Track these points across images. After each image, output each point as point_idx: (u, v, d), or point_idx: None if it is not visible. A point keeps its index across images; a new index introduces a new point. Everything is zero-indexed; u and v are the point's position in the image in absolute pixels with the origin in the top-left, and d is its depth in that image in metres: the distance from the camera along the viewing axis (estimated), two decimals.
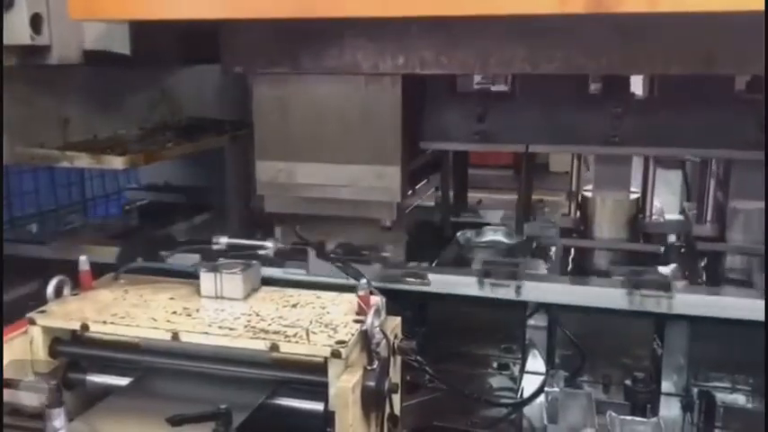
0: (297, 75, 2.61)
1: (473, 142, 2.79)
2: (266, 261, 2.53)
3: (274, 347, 1.88)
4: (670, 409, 2.63)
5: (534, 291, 2.54)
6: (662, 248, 2.90)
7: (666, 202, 3.20)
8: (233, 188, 3.62)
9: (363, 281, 2.12)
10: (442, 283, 2.62)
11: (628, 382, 2.58)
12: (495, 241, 2.99)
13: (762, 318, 2.34)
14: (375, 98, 2.58)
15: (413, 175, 2.84)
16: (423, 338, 2.76)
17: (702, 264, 2.92)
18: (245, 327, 1.98)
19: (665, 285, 2.43)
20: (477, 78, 3.00)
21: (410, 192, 2.85)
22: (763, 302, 2.36)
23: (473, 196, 3.85)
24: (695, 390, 2.60)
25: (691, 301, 2.42)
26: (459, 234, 3.05)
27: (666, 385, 2.66)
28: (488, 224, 3.29)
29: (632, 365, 2.70)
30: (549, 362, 2.77)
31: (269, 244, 2.56)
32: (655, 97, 2.67)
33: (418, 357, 2.27)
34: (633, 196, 2.87)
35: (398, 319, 2.17)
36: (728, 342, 2.58)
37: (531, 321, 2.85)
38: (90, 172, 4.55)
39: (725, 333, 2.54)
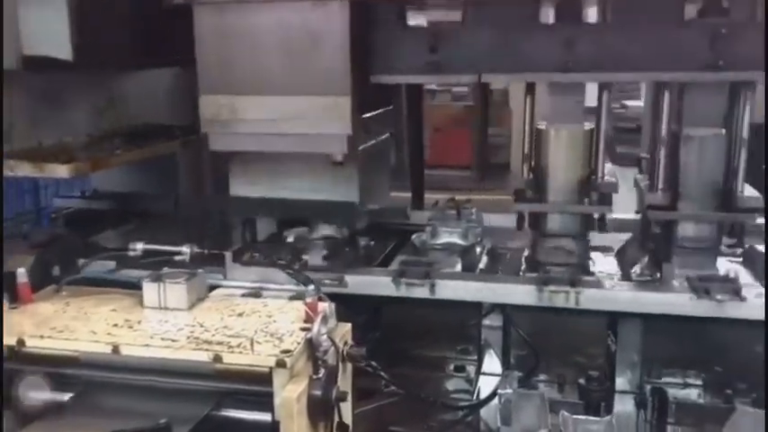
0: (237, 2, 2.53)
1: (425, 74, 2.69)
2: (182, 266, 2.48)
3: (217, 359, 1.84)
4: (624, 406, 2.65)
5: (447, 289, 2.53)
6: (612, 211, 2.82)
7: (624, 200, 3.19)
8: (186, 193, 3.56)
9: (311, 287, 2.09)
10: (360, 284, 2.60)
11: (582, 380, 2.60)
12: (450, 243, 2.97)
13: (673, 311, 2.40)
14: (322, 25, 2.49)
15: (364, 107, 2.72)
16: (377, 343, 2.74)
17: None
18: (188, 338, 1.93)
19: (573, 281, 2.45)
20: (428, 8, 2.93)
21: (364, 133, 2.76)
22: (678, 297, 2.40)
23: (432, 197, 3.83)
24: (648, 387, 2.61)
25: (598, 297, 2.45)
26: (414, 237, 3.04)
27: (620, 382, 2.69)
28: None
29: (587, 364, 2.71)
30: (505, 363, 2.77)
31: (185, 249, 2.49)
32: (607, 23, 2.61)
33: (372, 363, 2.26)
34: (588, 126, 2.77)
35: (348, 325, 2.14)
36: (679, 338, 2.60)
37: (486, 322, 2.86)
38: (45, 180, 4.44)
39: (676, 329, 2.57)
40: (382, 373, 2.31)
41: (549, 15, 2.60)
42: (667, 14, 2.56)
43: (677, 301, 2.43)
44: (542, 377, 2.75)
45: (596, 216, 2.79)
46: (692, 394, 2.59)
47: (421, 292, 2.53)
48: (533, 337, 2.73)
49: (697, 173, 2.66)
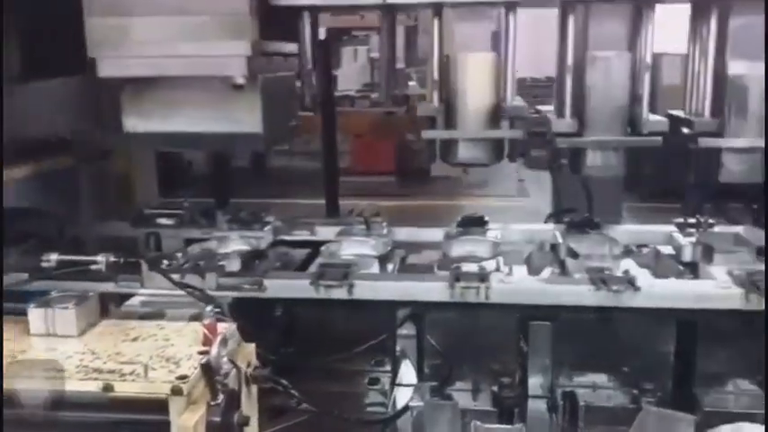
0: None
1: None
2: (98, 277, 2.37)
3: (108, 388, 1.73)
4: (537, 411, 2.66)
5: (366, 290, 2.50)
6: (525, 134, 2.81)
7: (537, 204, 3.23)
8: (87, 208, 3.39)
9: (209, 308, 2.01)
10: (278, 287, 2.54)
11: (495, 388, 2.59)
12: (360, 255, 2.93)
13: (588, 303, 2.43)
14: None
15: (267, 31, 2.59)
16: (291, 358, 2.67)
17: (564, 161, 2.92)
18: (77, 367, 1.82)
19: (483, 277, 2.48)
20: None
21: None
22: (585, 288, 2.43)
23: (352, 204, 3.77)
24: (559, 390, 2.64)
25: (507, 291, 2.48)
26: (323, 248, 2.99)
27: (533, 387, 2.70)
28: None
29: (502, 370, 2.70)
30: (420, 373, 2.75)
31: (100, 258, 2.39)
32: None
33: (282, 381, 2.20)
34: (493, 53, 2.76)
35: (252, 346, 2.07)
36: (588, 339, 2.64)
37: (403, 331, 2.83)
38: None
39: (585, 330, 2.60)
40: (293, 391, 2.26)
41: None
42: None
43: (580, 291, 2.47)
44: (458, 386, 2.73)
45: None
46: (602, 396, 2.62)
47: (339, 293, 2.49)
48: (448, 345, 2.72)
49: (603, 97, 2.69)
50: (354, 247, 2.99)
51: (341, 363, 2.68)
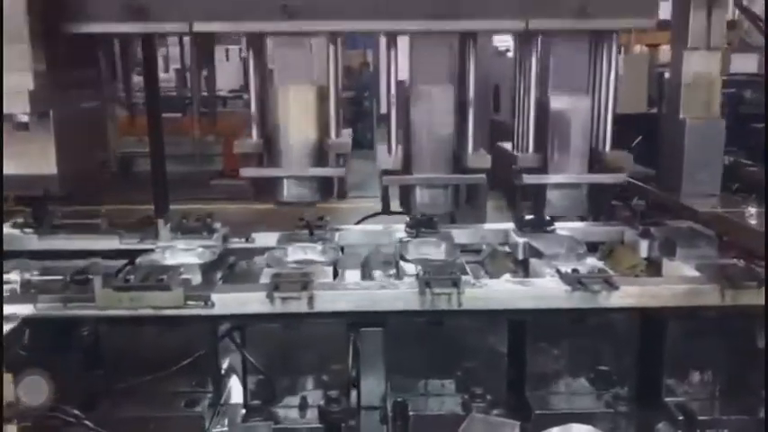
0: None
1: (126, 21, 2.41)
2: None
3: None
4: (370, 423, 2.56)
5: (327, 301, 2.38)
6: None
7: None
8: None
9: None
10: (228, 303, 2.36)
11: (321, 402, 2.46)
12: (308, 260, 2.76)
13: (534, 306, 2.39)
14: None
15: (59, 62, 2.39)
16: (98, 381, 2.44)
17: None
18: None
19: (455, 282, 2.36)
20: None
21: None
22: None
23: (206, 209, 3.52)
24: (391, 401, 2.54)
25: (480, 296, 2.39)
26: (266, 254, 2.80)
27: (366, 398, 2.60)
28: None
29: (332, 382, 2.57)
30: (245, 391, 2.57)
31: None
32: None
33: (77, 412, 2.02)
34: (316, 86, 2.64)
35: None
36: (421, 345, 2.55)
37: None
38: None
39: (416, 336, 2.52)
40: (87, 422, 2.05)
41: None
42: None
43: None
44: (286, 402, 2.57)
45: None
46: (433, 404, 2.55)
47: (298, 305, 2.34)
48: (275, 358, 2.55)
49: (427, 132, 2.64)
50: (300, 254, 2.82)
51: (157, 384, 2.46)
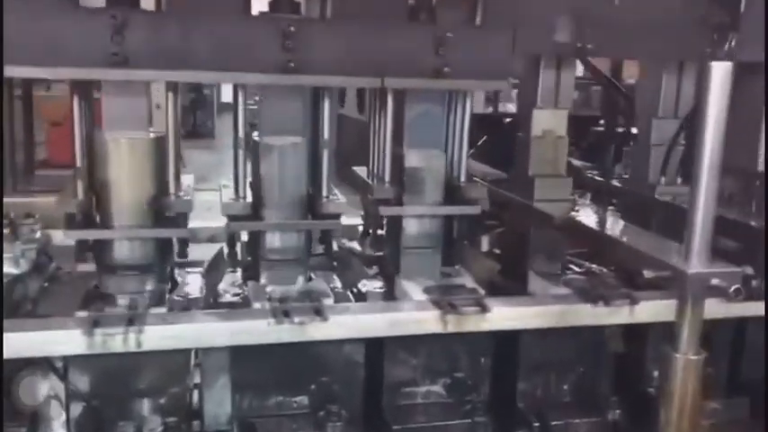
0: None
1: None
2: None
3: None
4: None
5: (159, 338, 2.11)
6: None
7: None
8: None
9: None
10: (30, 343, 2.03)
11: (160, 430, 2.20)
12: None
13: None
14: None
15: None
16: None
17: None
18: None
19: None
20: None
21: None
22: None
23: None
24: (237, 423, 2.35)
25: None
26: None
27: (210, 421, 2.38)
28: None
29: (172, 407, 2.31)
30: (68, 423, 2.24)
31: None
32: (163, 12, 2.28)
33: None
34: (152, 135, 2.38)
35: None
36: (271, 362, 2.37)
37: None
38: None
39: (265, 354, 2.33)
40: None
41: None
42: (234, 6, 2.30)
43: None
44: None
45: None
46: (283, 424, 2.37)
47: (122, 344, 2.07)
48: (103, 384, 2.24)
49: (279, 182, 2.48)
50: None
51: None
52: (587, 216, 2.76)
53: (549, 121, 2.83)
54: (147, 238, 2.39)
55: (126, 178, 2.32)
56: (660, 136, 3.03)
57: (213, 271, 2.69)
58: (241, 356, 2.34)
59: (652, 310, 2.45)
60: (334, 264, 2.84)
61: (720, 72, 1.89)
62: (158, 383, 2.26)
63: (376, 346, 2.45)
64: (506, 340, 2.52)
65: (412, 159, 2.59)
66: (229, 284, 2.65)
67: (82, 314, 2.16)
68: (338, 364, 2.41)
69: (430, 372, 2.51)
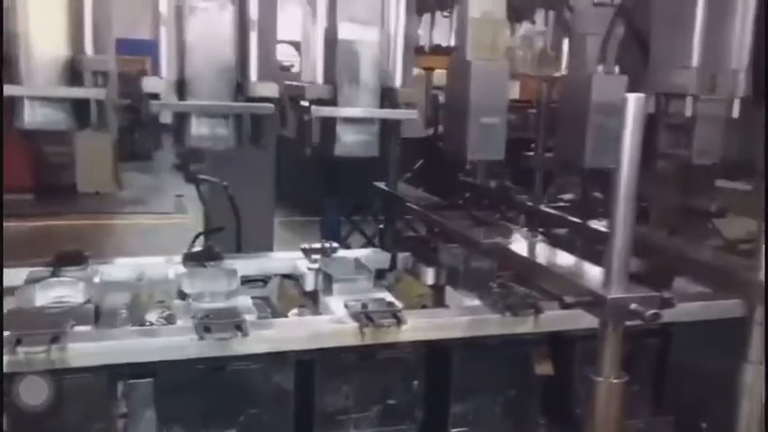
0: None
1: None
2: None
3: None
4: None
5: (84, 355, 2.09)
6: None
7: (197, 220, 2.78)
8: None
9: None
10: None
11: None
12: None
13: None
14: None
15: None
16: None
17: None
18: None
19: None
20: None
21: None
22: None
23: None
24: None
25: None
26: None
27: None
28: None
29: None
30: None
31: None
32: None
33: None
34: None
35: None
36: (198, 389, 2.32)
37: None
38: None
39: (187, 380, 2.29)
40: None
41: None
42: None
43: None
44: None
45: None
46: None
47: (42, 363, 2.04)
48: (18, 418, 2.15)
49: (205, 56, 2.30)
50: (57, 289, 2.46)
51: None
52: (516, 241, 2.82)
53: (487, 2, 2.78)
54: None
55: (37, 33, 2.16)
56: None
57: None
58: (167, 388, 2.29)
59: (556, 319, 2.51)
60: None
61: (635, 104, 1.97)
62: (80, 417, 2.18)
63: (306, 373, 2.43)
64: (438, 365, 2.53)
65: (346, 32, 2.45)
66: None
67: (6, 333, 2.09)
68: (268, 392, 2.38)
69: (362, 396, 2.49)
